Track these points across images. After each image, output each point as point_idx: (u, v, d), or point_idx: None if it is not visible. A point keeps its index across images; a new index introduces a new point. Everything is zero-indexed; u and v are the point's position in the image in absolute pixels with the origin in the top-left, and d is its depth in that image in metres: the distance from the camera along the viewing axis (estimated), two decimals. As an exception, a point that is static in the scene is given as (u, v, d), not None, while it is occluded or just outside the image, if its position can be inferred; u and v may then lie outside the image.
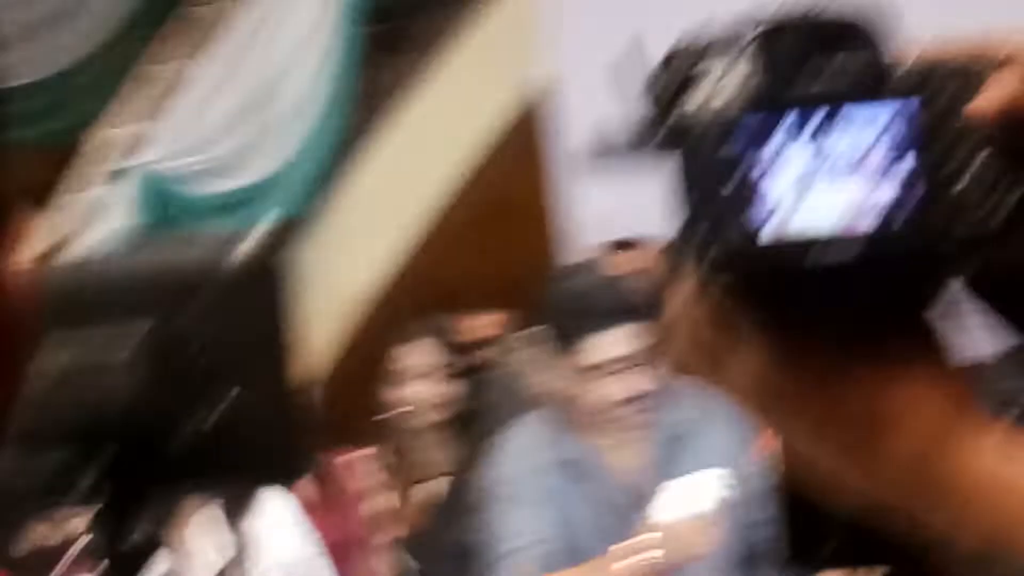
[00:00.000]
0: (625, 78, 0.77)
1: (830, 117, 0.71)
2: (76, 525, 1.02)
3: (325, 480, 3.82)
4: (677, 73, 0.75)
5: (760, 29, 0.73)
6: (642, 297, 3.31)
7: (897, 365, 0.73)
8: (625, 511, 3.33)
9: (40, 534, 1.40)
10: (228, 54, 5.86)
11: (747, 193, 0.70)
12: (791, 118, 0.71)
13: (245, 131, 5.80)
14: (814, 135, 0.71)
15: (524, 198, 6.15)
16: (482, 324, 4.72)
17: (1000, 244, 0.72)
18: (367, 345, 5.77)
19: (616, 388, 3.31)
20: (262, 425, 1.04)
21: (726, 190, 0.71)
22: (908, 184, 0.70)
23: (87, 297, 1.08)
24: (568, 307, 3.40)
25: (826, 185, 0.71)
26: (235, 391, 1.03)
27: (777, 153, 0.71)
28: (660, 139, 0.74)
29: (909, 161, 0.71)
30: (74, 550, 1.02)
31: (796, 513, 0.81)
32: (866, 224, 0.70)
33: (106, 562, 1.05)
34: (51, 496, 1.04)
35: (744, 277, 0.72)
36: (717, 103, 0.72)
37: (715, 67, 0.73)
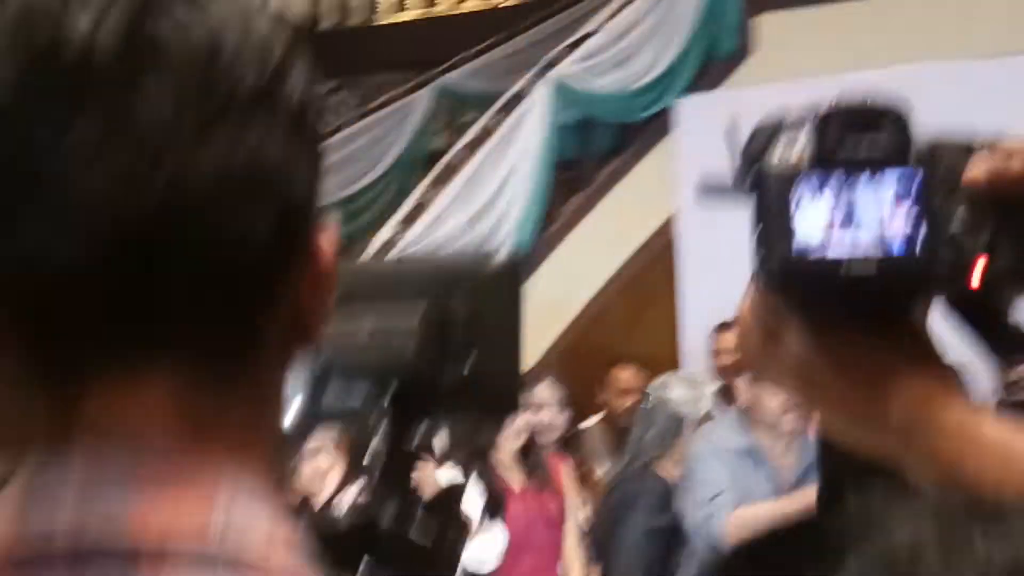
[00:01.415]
0: (728, 144, 0.82)
1: (863, 176, 0.74)
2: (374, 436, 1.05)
3: (537, 471, 3.80)
4: (760, 140, 0.78)
5: (818, 112, 0.76)
6: None
7: (897, 353, 0.74)
8: (777, 493, 3.42)
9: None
10: (461, 185, 5.97)
11: (799, 224, 0.73)
12: (835, 176, 0.74)
13: (466, 238, 5.91)
14: (850, 188, 0.74)
15: (659, 288, 6.17)
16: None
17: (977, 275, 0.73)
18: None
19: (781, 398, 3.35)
20: (497, 379, 1.06)
21: (785, 222, 0.73)
22: (915, 225, 0.72)
23: (381, 280, 1.10)
24: None
25: (857, 222, 0.73)
26: (474, 352, 1.04)
27: (823, 198, 0.73)
28: (747, 185, 0.78)
29: (916, 209, 0.73)
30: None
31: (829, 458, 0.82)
32: (883, 250, 0.72)
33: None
34: (357, 415, 1.06)
35: (791, 285, 0.75)
36: (785, 161, 0.75)
37: (786, 137, 0.77)
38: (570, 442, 3.90)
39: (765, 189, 0.76)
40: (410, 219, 5.90)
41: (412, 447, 1.05)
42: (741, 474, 3.50)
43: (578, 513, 3.93)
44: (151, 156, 0.54)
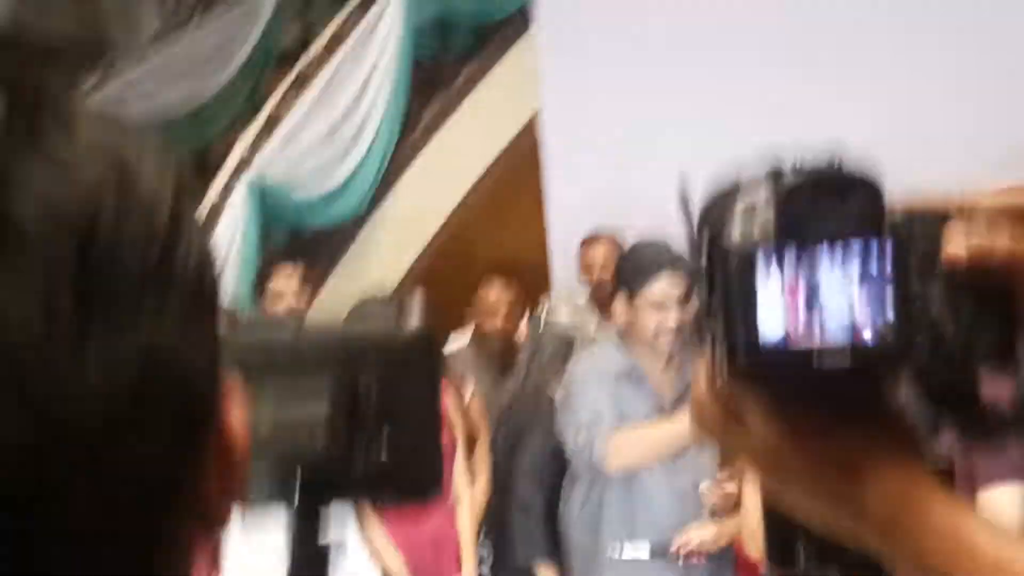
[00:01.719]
0: (680, 211, 0.75)
1: (831, 254, 0.67)
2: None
3: None
4: (716, 210, 0.71)
5: (783, 183, 0.69)
6: (684, 258, 3.37)
7: (872, 441, 0.69)
8: (657, 413, 3.50)
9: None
10: (317, 92, 5.75)
11: (762, 310, 0.67)
12: (800, 254, 0.68)
13: (327, 149, 5.73)
14: (817, 267, 0.67)
15: (527, 191, 6.10)
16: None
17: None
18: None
19: (667, 318, 3.39)
20: (413, 457, 0.97)
21: (747, 307, 0.67)
22: (888, 309, 0.67)
23: (281, 358, 0.99)
24: (642, 258, 3.49)
25: (826, 305, 0.67)
26: (388, 432, 0.95)
27: (787, 278, 0.67)
28: (702, 260, 0.71)
29: (889, 290, 0.67)
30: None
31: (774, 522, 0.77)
32: (855, 339, 0.67)
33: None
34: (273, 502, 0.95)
35: (758, 378, 0.69)
36: (745, 236, 0.68)
37: (744, 207, 0.70)
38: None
39: (724, 269, 0.69)
40: (266, 132, 5.67)
41: (324, 542, 0.95)
42: (621, 396, 3.49)
43: (484, 438, 3.87)
44: (16, 386, 0.44)
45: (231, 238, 5.36)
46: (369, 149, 5.80)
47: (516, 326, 4.44)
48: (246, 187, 5.46)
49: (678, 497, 3.46)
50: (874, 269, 0.68)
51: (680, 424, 3.32)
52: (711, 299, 0.70)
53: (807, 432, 0.70)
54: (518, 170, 6.13)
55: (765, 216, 0.68)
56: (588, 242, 4.86)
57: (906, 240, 0.68)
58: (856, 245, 0.68)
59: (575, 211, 5.48)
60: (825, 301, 0.67)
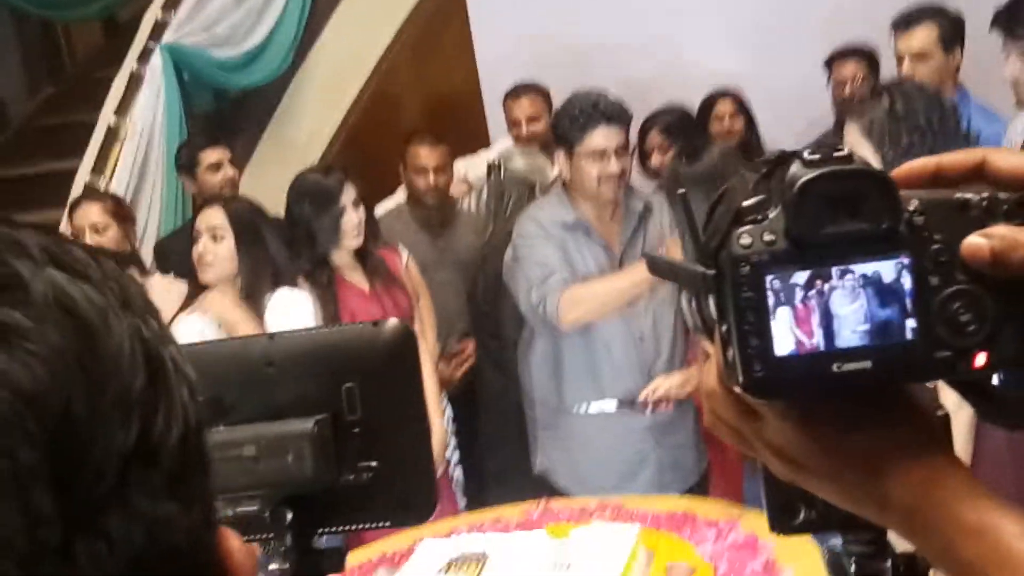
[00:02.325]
0: (678, 218, 0.71)
1: (847, 261, 0.65)
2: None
3: (375, 270, 3.69)
4: (722, 217, 0.67)
5: (795, 187, 0.65)
6: (620, 106, 3.47)
7: (894, 437, 0.68)
8: (606, 267, 3.48)
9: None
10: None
11: (777, 320, 0.65)
12: (815, 263, 0.65)
13: (243, 6, 5.51)
14: (833, 275, 0.65)
15: (449, 40, 5.94)
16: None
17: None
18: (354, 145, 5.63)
19: (607, 166, 3.39)
20: (406, 474, 0.94)
21: (761, 318, 0.65)
22: (907, 310, 0.65)
23: (261, 367, 0.96)
24: (578, 111, 3.46)
25: (844, 312, 0.65)
26: (377, 446, 0.92)
27: (802, 288, 0.65)
28: (707, 268, 0.68)
29: (908, 291, 0.65)
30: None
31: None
32: (875, 342, 0.65)
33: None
34: (250, 533, 0.95)
35: (776, 389, 0.67)
36: (755, 245, 0.65)
37: (752, 215, 0.66)
38: (374, 231, 3.74)
39: (734, 277, 0.65)
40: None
41: (319, 557, 0.93)
42: (569, 249, 3.49)
43: (427, 302, 3.86)
44: None
45: (154, 105, 5.18)
46: (286, 4, 5.58)
47: (448, 182, 4.37)
48: (164, 51, 5.25)
49: (636, 345, 3.49)
50: (891, 275, 0.65)
51: (630, 275, 3.34)
52: (720, 304, 0.67)
53: (827, 430, 0.68)
54: (442, 15, 5.95)
55: (776, 225, 0.65)
56: (512, 95, 4.76)
57: (927, 237, 0.65)
58: (873, 253, 0.65)
59: (503, 60, 5.36)
60: (841, 307, 0.65)
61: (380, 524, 0.94)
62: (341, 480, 0.90)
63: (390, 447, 0.91)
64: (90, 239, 3.87)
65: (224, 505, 0.90)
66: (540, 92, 4.72)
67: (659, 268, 0.76)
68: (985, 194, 0.66)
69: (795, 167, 0.66)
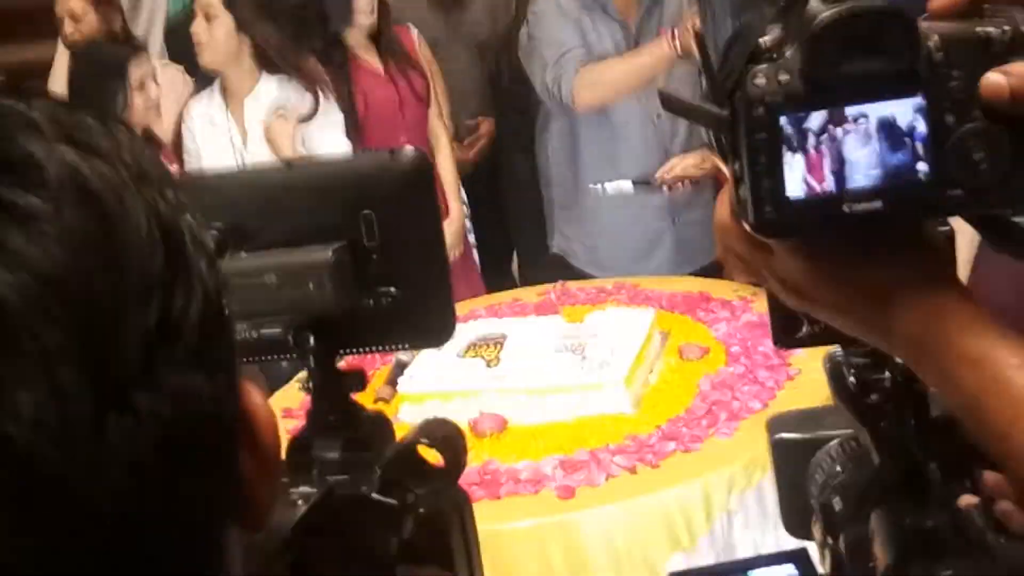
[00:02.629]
0: (697, 53, 0.71)
1: (863, 104, 0.65)
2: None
3: (389, 50, 3.64)
4: (737, 56, 0.67)
5: (812, 26, 0.64)
6: None
7: (903, 270, 0.69)
8: (620, 43, 3.43)
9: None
10: None
11: (789, 161, 0.65)
12: (830, 104, 0.65)
13: None
14: (848, 117, 0.65)
15: None
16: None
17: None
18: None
19: None
20: (424, 297, 0.97)
21: (774, 158, 0.65)
22: (922, 152, 0.65)
23: (278, 194, 0.97)
24: None
25: (857, 153, 0.65)
26: (395, 271, 0.94)
27: (816, 129, 0.65)
28: (722, 108, 0.68)
29: (923, 134, 0.65)
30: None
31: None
32: (888, 182, 0.65)
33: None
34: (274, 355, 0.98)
35: (787, 229, 0.68)
36: (769, 85, 0.65)
37: (769, 54, 0.66)
38: (386, 9, 3.66)
39: (748, 118, 0.66)
40: None
41: (341, 377, 0.97)
42: (586, 27, 3.42)
43: (439, 82, 3.81)
44: (48, 488, 0.43)
45: None
46: None
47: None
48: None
49: (653, 124, 3.46)
50: (907, 117, 0.65)
51: (646, 54, 3.28)
52: (734, 144, 0.68)
53: (836, 265, 0.70)
54: None
55: (792, 64, 0.65)
56: None
57: (945, 76, 0.65)
58: (889, 96, 0.65)
59: None
60: (854, 152, 0.65)
61: (400, 346, 0.98)
62: (361, 305, 0.93)
63: (408, 273, 0.93)
64: (69, 27, 3.82)
65: (248, 327, 0.93)
66: None
67: (674, 106, 0.75)
68: (1008, 30, 0.65)
69: (813, 3, 0.65)
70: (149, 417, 0.45)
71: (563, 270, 3.50)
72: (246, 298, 0.90)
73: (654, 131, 3.48)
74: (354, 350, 0.96)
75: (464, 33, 4.22)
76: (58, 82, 3.71)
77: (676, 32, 3.18)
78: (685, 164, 3.47)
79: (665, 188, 3.49)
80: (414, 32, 3.77)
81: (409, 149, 0.94)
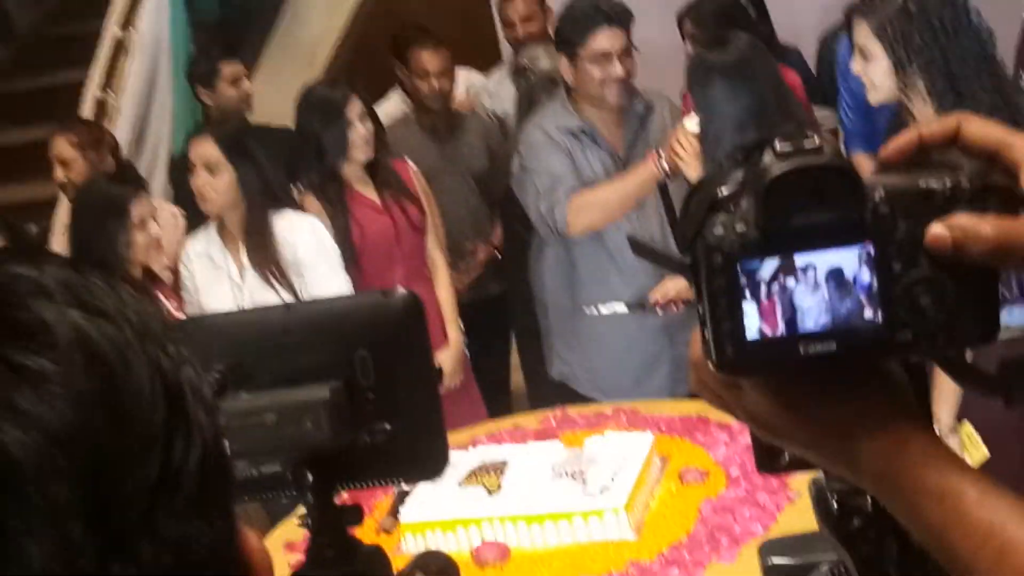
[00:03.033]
0: (663, 206, 0.75)
1: (815, 251, 0.69)
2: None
3: (385, 182, 3.71)
4: (699, 206, 0.71)
5: (765, 180, 0.68)
6: (622, 7, 3.50)
7: (863, 405, 0.72)
8: (611, 170, 3.53)
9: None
10: None
11: (748, 305, 0.69)
12: (784, 252, 0.69)
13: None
14: (801, 264, 0.69)
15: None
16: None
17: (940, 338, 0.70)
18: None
19: (611, 70, 3.41)
20: (418, 432, 1.00)
21: (733, 303, 0.69)
22: (872, 298, 0.69)
23: (278, 336, 1.00)
24: (579, 13, 3.48)
25: (810, 299, 0.69)
26: (389, 407, 0.98)
27: (772, 275, 0.69)
28: (687, 258, 0.72)
29: (872, 280, 0.69)
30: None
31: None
32: (841, 325, 0.69)
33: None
34: (274, 491, 1.00)
35: (747, 369, 0.72)
36: (727, 234, 0.69)
37: (726, 205, 0.70)
38: (383, 142, 3.75)
39: (707, 265, 0.70)
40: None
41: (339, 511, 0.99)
42: (575, 154, 3.50)
43: (435, 213, 3.88)
44: None
45: (159, 15, 5.15)
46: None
47: (451, 86, 4.36)
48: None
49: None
50: (855, 263, 0.69)
51: (634, 177, 3.35)
52: (696, 288, 0.71)
53: (799, 402, 0.73)
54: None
55: (747, 215, 0.69)
56: None
57: (887, 231, 0.69)
58: (839, 244, 0.68)
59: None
60: (804, 300, 0.69)
61: (395, 480, 1.00)
62: (357, 441, 0.96)
63: (402, 409, 0.97)
64: (59, 172, 3.99)
65: (248, 465, 0.96)
66: None
67: (641, 251, 0.80)
68: (949, 183, 0.69)
69: (767, 158, 0.69)
70: (151, 566, 0.47)
71: (567, 395, 3.53)
72: (246, 437, 0.93)
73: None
74: (351, 485, 0.98)
75: (459, 162, 4.32)
76: (61, 220, 3.79)
77: (662, 153, 3.26)
78: (679, 286, 3.52)
79: (659, 310, 3.53)
80: (410, 164, 3.86)
81: (401, 290, 0.98)
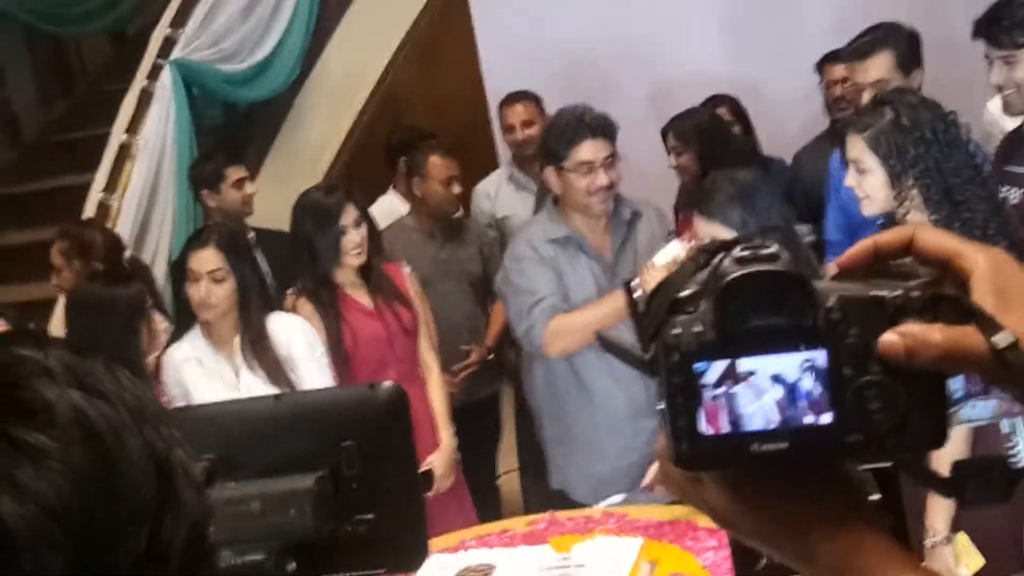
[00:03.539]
0: (629, 309, 0.79)
1: (768, 354, 0.71)
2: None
3: (378, 287, 3.75)
4: (658, 308, 0.74)
5: (722, 283, 0.72)
6: (606, 119, 3.54)
7: (818, 504, 0.74)
8: (599, 277, 3.57)
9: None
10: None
11: (704, 404, 0.71)
12: (739, 354, 0.71)
13: (250, 19, 5.59)
14: (755, 366, 0.71)
15: (454, 46, 6.01)
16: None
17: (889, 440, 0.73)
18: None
19: (596, 179, 3.48)
20: (399, 526, 1.02)
21: (689, 401, 0.71)
22: (824, 401, 0.71)
23: (264, 429, 1.03)
24: (564, 125, 3.55)
25: (763, 399, 0.71)
26: (373, 498, 1.00)
27: (727, 376, 0.71)
28: (647, 354, 0.74)
29: (824, 383, 0.71)
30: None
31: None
32: (792, 425, 0.71)
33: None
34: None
35: (702, 465, 0.74)
36: (685, 335, 0.72)
37: (685, 306, 0.73)
38: (378, 246, 3.81)
39: (666, 363, 0.73)
40: (185, 9, 5.50)
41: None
42: (561, 265, 3.54)
43: (428, 316, 3.92)
44: None
45: (164, 121, 5.26)
46: (293, 14, 5.66)
47: (464, 192, 4.45)
48: (173, 68, 5.33)
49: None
50: (806, 367, 0.72)
51: (610, 304, 3.40)
52: (657, 384, 0.74)
53: (756, 497, 0.76)
54: (445, 23, 6.02)
55: (705, 317, 0.72)
56: (506, 102, 4.87)
57: (839, 337, 0.72)
58: (792, 348, 0.71)
59: (507, 67, 5.43)
60: (763, 395, 0.72)
61: (376, 570, 1.03)
62: (340, 530, 0.99)
63: (385, 500, 0.99)
64: (54, 277, 4.17)
65: (232, 554, 0.99)
66: (533, 99, 4.83)
67: (611, 348, 0.83)
68: (900, 292, 0.73)
69: (726, 263, 0.73)
70: None
71: (564, 504, 3.51)
72: (232, 525, 0.96)
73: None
74: (333, 574, 1.01)
75: (456, 267, 4.38)
76: (57, 321, 3.84)
77: (633, 286, 3.29)
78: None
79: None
80: (405, 269, 3.90)
81: (387, 383, 1.02)
